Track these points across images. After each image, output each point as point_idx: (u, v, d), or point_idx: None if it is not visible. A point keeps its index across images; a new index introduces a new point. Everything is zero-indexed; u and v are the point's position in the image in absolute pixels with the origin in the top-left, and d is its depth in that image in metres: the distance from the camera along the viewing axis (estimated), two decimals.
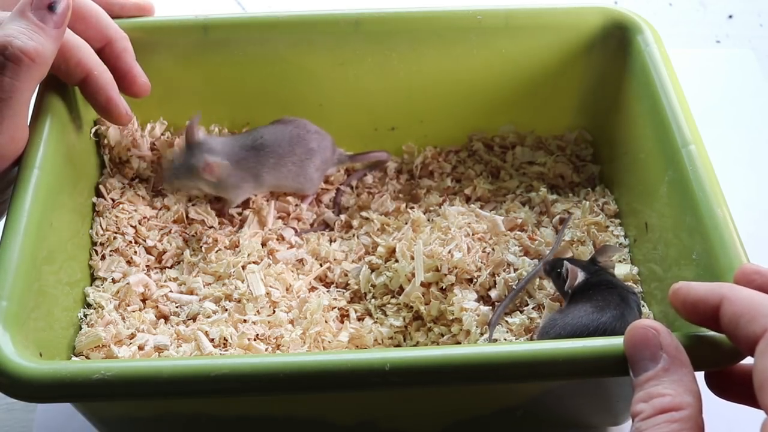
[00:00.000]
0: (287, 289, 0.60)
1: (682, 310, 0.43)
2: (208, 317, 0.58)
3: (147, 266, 0.62)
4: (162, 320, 0.59)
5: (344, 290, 0.62)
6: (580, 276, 0.55)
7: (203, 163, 0.61)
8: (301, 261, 0.63)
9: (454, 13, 0.64)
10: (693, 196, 0.51)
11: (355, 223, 0.66)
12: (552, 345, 0.44)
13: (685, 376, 0.40)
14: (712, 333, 0.44)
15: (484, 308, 0.58)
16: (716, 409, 0.45)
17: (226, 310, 0.58)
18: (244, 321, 0.57)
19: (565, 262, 0.56)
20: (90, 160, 0.62)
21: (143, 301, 0.60)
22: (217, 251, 0.62)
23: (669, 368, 0.40)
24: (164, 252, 0.62)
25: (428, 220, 0.64)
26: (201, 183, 0.63)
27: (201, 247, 0.62)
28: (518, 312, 0.58)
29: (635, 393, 0.41)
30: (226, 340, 0.56)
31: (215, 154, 0.62)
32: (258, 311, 0.58)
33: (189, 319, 0.59)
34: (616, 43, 0.63)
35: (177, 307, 0.59)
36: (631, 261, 0.61)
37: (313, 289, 0.62)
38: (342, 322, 0.59)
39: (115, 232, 0.62)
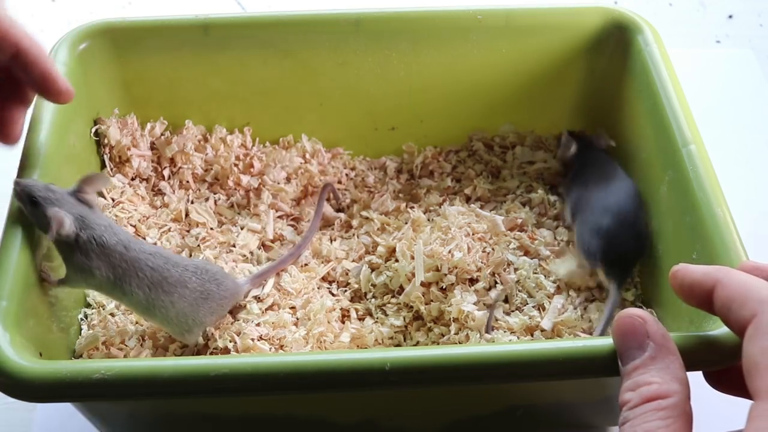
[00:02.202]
0: (297, 292, 0.60)
1: (680, 293, 0.43)
2: None
3: None
4: None
5: (345, 289, 0.62)
6: (573, 149, 0.65)
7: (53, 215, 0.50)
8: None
9: (454, 13, 0.64)
10: (693, 196, 0.51)
11: (355, 222, 0.66)
12: (551, 345, 0.44)
13: (672, 364, 0.40)
14: (709, 333, 0.44)
15: (480, 312, 0.58)
16: (707, 398, 0.45)
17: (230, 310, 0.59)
18: (247, 321, 0.57)
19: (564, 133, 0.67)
20: (90, 160, 0.62)
21: None
22: (213, 247, 0.62)
23: (656, 356, 0.40)
24: None
25: (428, 219, 0.64)
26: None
27: (199, 245, 0.62)
28: (518, 312, 0.58)
29: (623, 382, 0.40)
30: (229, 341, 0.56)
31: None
32: (262, 311, 0.58)
33: None
34: (616, 43, 0.63)
35: None
36: None
37: (319, 287, 0.61)
38: (343, 322, 0.59)
39: None
